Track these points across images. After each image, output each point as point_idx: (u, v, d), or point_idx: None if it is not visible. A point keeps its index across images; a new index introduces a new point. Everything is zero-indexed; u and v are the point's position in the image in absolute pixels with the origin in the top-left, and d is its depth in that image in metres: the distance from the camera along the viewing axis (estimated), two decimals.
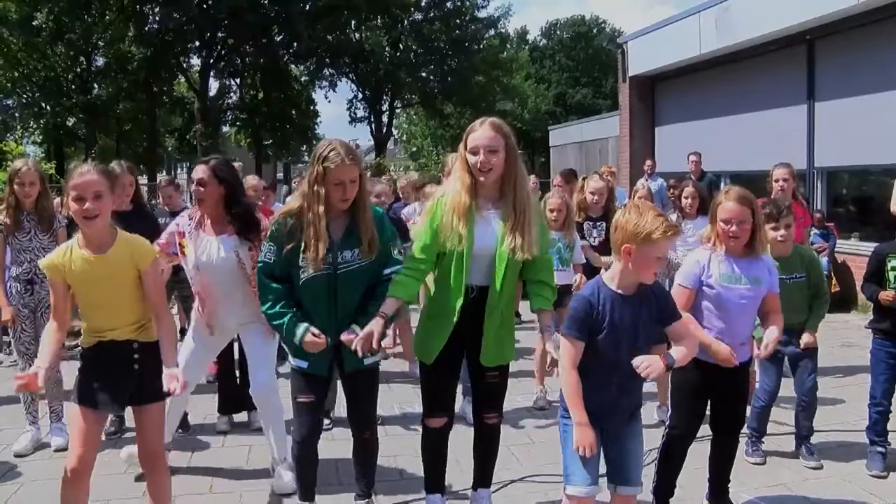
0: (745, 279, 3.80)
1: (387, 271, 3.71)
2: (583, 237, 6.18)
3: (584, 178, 6.70)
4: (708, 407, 4.02)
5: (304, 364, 3.70)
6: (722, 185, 11.58)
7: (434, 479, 4.01)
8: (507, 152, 3.60)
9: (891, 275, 4.62)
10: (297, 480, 3.97)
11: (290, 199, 5.42)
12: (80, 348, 3.51)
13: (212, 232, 4.44)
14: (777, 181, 6.46)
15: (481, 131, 3.58)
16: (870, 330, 4.87)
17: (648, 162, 13.42)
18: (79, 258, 3.27)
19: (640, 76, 16.45)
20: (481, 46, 40.23)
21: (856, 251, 9.54)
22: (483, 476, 4.05)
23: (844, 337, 8.13)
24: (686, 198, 6.44)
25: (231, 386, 5.58)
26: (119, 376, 3.37)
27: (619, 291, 3.16)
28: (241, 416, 5.63)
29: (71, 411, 3.50)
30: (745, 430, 4.70)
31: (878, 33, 10.53)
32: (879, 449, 4.76)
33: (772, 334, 3.88)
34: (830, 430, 5.36)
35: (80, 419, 3.33)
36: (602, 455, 3.27)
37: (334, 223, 3.63)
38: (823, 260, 9.57)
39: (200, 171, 4.40)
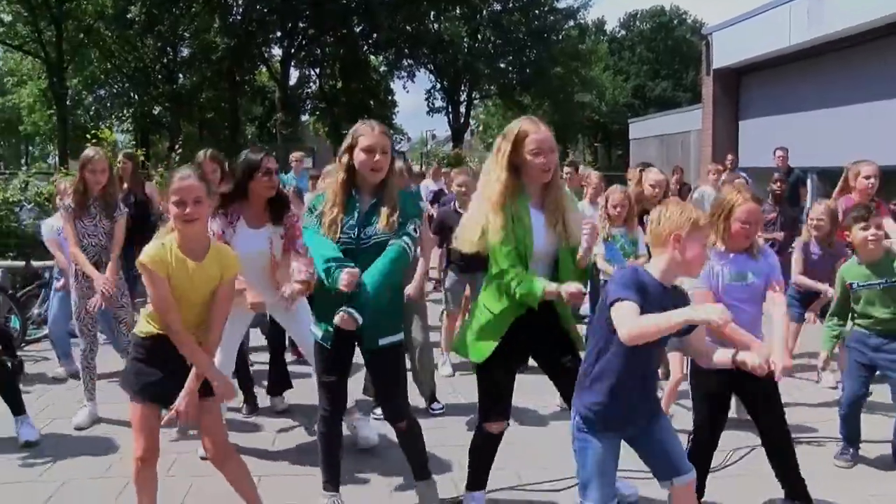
0: (751, 274, 3.77)
1: (392, 241, 3.65)
2: None
3: (641, 170, 6.51)
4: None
5: (319, 333, 3.74)
6: (808, 181, 11.27)
7: (477, 476, 3.94)
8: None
9: None
10: (321, 463, 3.94)
11: None
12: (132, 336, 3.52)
13: (249, 225, 4.51)
14: (869, 178, 6.15)
15: (541, 132, 3.52)
16: None
17: (730, 157, 13.11)
18: (178, 260, 3.35)
19: (725, 68, 16.13)
20: (560, 37, 40.00)
21: None
22: None
23: None
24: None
25: (281, 369, 5.72)
26: (179, 370, 3.39)
27: (663, 283, 3.00)
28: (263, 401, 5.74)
29: (130, 403, 3.49)
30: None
31: None
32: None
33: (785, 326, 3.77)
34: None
35: (139, 411, 3.40)
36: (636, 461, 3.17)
37: (362, 201, 3.69)
38: None
39: (274, 162, 4.54)
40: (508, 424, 3.86)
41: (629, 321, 2.76)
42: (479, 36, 39.51)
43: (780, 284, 3.85)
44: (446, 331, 6.61)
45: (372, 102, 39.59)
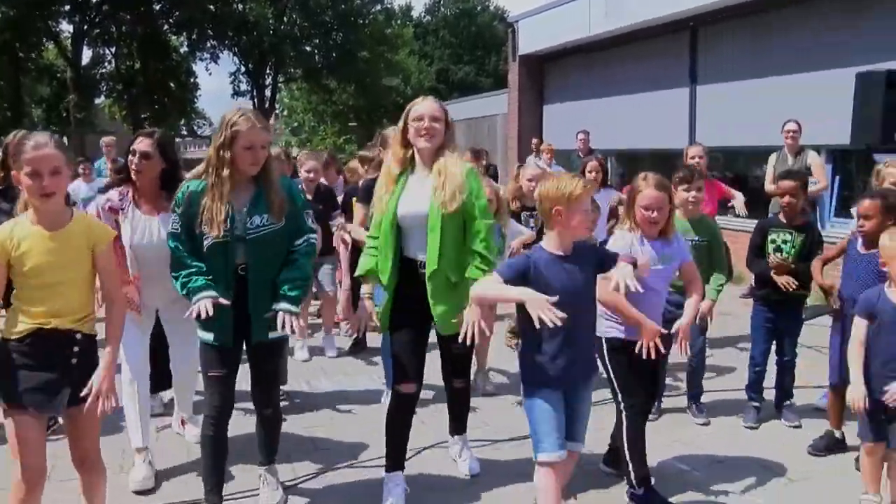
0: (661, 259, 3.99)
1: (298, 242, 3.74)
2: None
3: (519, 167, 6.93)
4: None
5: (210, 337, 3.67)
6: (608, 163, 12.04)
7: (395, 453, 4.07)
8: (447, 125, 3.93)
9: (770, 247, 5.07)
10: (204, 469, 3.84)
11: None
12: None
13: (148, 211, 4.27)
14: (693, 158, 6.98)
15: (424, 103, 3.90)
16: (743, 300, 5.30)
17: (535, 140, 13.78)
18: (30, 235, 3.00)
19: (530, 55, 16.82)
20: (367, 21, 39.92)
21: (732, 227, 10.12)
22: (458, 427, 4.49)
23: (723, 306, 8.67)
24: (590, 171, 6.73)
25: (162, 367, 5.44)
26: (56, 372, 3.05)
27: (558, 252, 3.37)
28: None
29: (5, 418, 3.09)
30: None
31: (757, 24, 11.20)
32: (755, 404, 5.30)
33: (695, 305, 4.18)
34: (713, 391, 5.74)
35: (19, 424, 3.01)
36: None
37: (242, 191, 3.64)
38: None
39: (146, 144, 4.22)
40: (419, 388, 4.07)
41: (478, 285, 3.25)
42: (285, 18, 38.64)
43: (691, 263, 4.18)
44: (303, 315, 6.70)
45: (173, 85, 37.84)
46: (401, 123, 3.93)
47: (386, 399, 5.52)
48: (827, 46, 10.22)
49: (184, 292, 3.57)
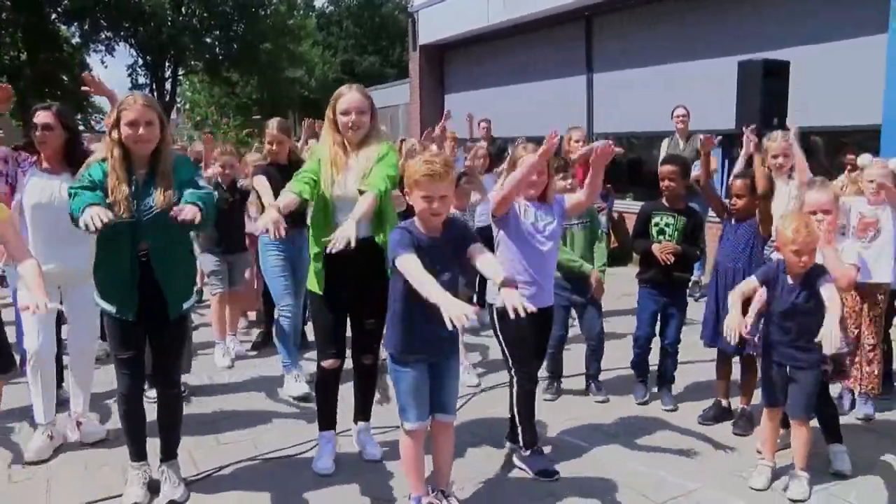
0: (545, 219, 4.26)
1: (188, 191, 3.70)
2: None
3: (402, 141, 7.07)
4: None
5: (112, 309, 3.75)
6: (509, 149, 12.20)
7: (324, 416, 4.41)
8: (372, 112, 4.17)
9: (654, 230, 5.26)
10: (127, 437, 4.00)
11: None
12: None
13: (50, 172, 4.48)
14: (578, 141, 7.39)
15: (350, 94, 4.10)
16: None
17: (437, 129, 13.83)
18: None
19: (430, 45, 16.89)
20: (268, 12, 39.25)
21: (631, 210, 10.47)
22: (363, 410, 4.56)
23: (623, 287, 8.92)
24: (479, 158, 7.14)
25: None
26: None
27: (424, 231, 3.51)
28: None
29: None
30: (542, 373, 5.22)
31: (649, 13, 11.53)
32: (642, 380, 5.51)
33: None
34: (613, 369, 5.93)
35: None
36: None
37: (138, 174, 3.70)
38: (602, 218, 10.39)
39: (45, 116, 4.43)
40: (342, 363, 4.31)
41: (410, 268, 3.31)
42: (183, 9, 37.59)
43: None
44: (219, 315, 6.54)
45: (65, 77, 36.36)
46: (329, 112, 4.15)
47: (287, 386, 5.57)
48: (712, 36, 10.63)
49: (75, 207, 3.49)
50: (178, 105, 48.38)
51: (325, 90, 43.90)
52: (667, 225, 5.23)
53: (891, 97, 8.20)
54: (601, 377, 5.66)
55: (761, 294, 4.16)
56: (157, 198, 3.65)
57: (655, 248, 5.15)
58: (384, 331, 3.80)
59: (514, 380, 4.30)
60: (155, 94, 38.07)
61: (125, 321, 3.75)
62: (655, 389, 5.50)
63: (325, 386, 4.36)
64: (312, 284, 4.23)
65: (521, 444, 4.31)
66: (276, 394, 5.65)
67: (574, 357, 5.84)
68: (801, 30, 9.57)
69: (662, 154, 9.09)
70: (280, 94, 41.36)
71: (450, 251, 3.56)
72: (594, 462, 4.48)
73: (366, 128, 4.13)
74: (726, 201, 5.17)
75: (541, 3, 12.98)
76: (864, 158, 5.78)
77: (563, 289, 5.28)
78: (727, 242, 5.01)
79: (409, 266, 3.31)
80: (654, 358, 5.53)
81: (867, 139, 8.61)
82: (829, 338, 3.63)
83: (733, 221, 4.99)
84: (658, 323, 5.44)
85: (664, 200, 5.34)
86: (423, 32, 16.88)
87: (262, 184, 5.48)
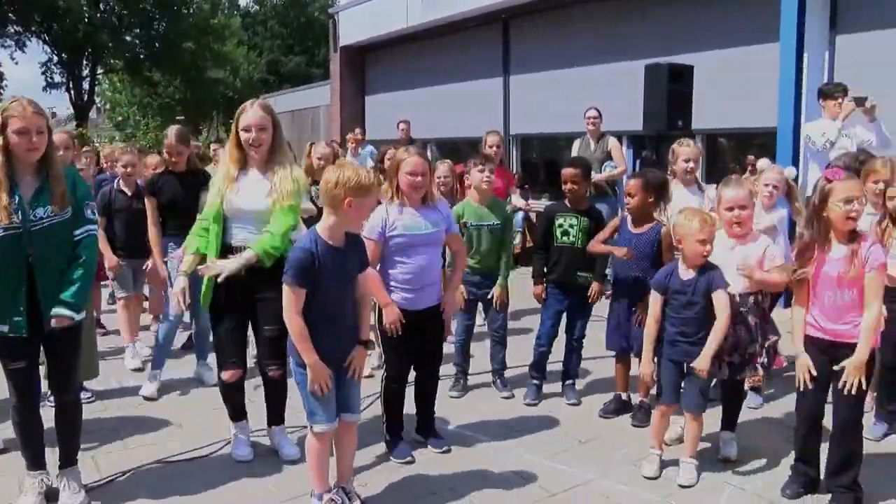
0: (427, 224, 4.37)
1: (77, 232, 3.74)
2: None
3: (311, 144, 7.09)
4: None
5: (5, 328, 3.66)
6: (428, 151, 12.33)
7: (234, 412, 4.55)
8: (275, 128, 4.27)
9: (557, 231, 5.38)
10: (22, 446, 3.95)
11: None
12: None
13: None
14: (492, 147, 7.59)
15: (251, 110, 4.20)
16: None
17: (357, 130, 13.88)
18: None
19: (351, 46, 16.91)
20: (191, 11, 38.57)
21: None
22: (276, 417, 4.60)
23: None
24: (389, 160, 7.00)
25: None
26: None
27: (331, 243, 3.53)
28: None
29: None
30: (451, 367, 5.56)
31: (564, 16, 11.78)
32: (536, 382, 5.56)
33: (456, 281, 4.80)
34: (517, 366, 6.02)
35: None
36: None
37: (24, 182, 3.63)
38: (519, 216, 10.58)
39: None
40: (243, 374, 4.40)
41: (289, 315, 3.51)
42: (101, 5, 36.58)
43: (457, 234, 4.71)
44: (126, 319, 6.47)
45: None
46: (233, 129, 4.27)
47: (198, 390, 5.58)
48: (623, 39, 10.94)
49: None
50: (98, 104, 47.23)
51: (250, 91, 43.27)
52: (570, 226, 5.35)
53: (784, 101, 8.57)
54: (508, 373, 5.78)
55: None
56: (52, 206, 3.62)
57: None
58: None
59: (384, 374, 4.56)
60: (72, 92, 37.03)
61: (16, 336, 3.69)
62: (559, 385, 5.63)
63: (228, 396, 4.51)
64: (205, 299, 4.29)
65: (385, 429, 4.58)
66: (186, 396, 5.64)
67: (485, 354, 5.94)
68: (704, 36, 9.92)
69: (574, 155, 9.29)
70: (204, 94, 40.71)
71: (353, 260, 3.66)
72: (495, 456, 4.59)
73: (267, 144, 4.23)
74: (627, 199, 5.20)
75: (459, 5, 13.14)
76: (762, 163, 6.00)
77: (470, 283, 5.46)
78: (628, 244, 5.03)
79: (292, 307, 3.49)
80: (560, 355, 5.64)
81: (769, 141, 8.97)
82: (703, 359, 4.09)
83: (630, 227, 5.04)
84: (564, 321, 5.55)
85: (567, 202, 5.46)
86: (343, 34, 16.89)
87: (149, 207, 5.75)
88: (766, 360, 4.40)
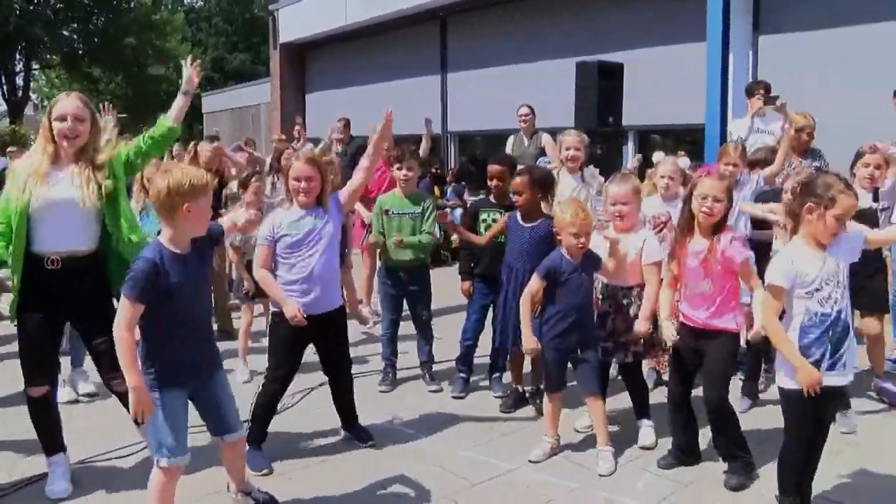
0: (315, 222, 4.33)
1: None
2: None
3: (195, 144, 7.14)
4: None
5: None
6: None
7: (47, 440, 4.10)
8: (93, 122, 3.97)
9: (482, 226, 5.47)
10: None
11: None
12: None
13: None
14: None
15: (67, 100, 3.90)
16: None
17: (297, 126, 13.83)
18: None
19: (291, 43, 16.84)
20: (131, 6, 37.85)
21: None
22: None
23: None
24: (286, 159, 7.22)
25: None
26: None
27: (178, 252, 3.26)
28: None
29: None
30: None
31: (500, 14, 11.89)
32: (462, 375, 5.64)
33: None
34: (446, 360, 6.05)
35: None
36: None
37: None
38: (458, 213, 10.66)
39: None
40: (50, 390, 4.04)
41: (119, 346, 3.12)
42: None
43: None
44: None
45: None
46: (44, 120, 3.90)
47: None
48: (556, 37, 11.10)
49: None
50: (34, 101, 46.12)
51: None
52: (494, 221, 5.41)
53: (711, 99, 8.80)
54: (438, 367, 5.86)
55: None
56: None
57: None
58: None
59: (266, 379, 4.44)
60: (4, 87, 36.01)
61: None
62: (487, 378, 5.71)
63: (36, 415, 4.04)
64: (12, 308, 3.91)
65: (251, 437, 4.29)
66: (95, 403, 5.47)
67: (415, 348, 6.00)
68: (635, 35, 10.12)
69: (508, 152, 9.38)
70: (147, 91, 40.06)
71: (201, 264, 3.40)
72: (419, 449, 4.66)
73: (84, 137, 3.88)
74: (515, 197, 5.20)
75: (396, 3, 13.19)
76: (657, 156, 6.17)
77: (396, 279, 5.58)
78: (514, 243, 5.10)
79: (125, 323, 3.12)
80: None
81: (699, 137, 9.21)
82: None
83: (520, 220, 5.11)
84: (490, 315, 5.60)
85: (492, 198, 5.56)
86: (283, 31, 16.83)
87: None
88: (641, 349, 4.62)
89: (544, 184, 5.09)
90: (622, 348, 4.57)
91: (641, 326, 4.40)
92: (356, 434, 4.73)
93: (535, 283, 4.40)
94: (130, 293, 3.11)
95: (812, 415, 3.52)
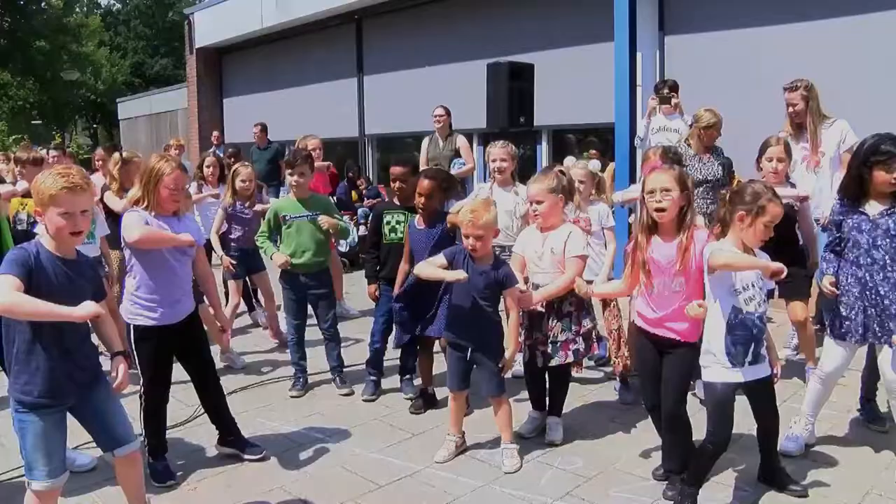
0: (179, 230, 4.25)
1: None
2: None
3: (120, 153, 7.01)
4: None
5: None
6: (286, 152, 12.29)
7: None
8: None
9: (386, 228, 5.48)
10: None
11: None
12: None
13: None
14: (315, 150, 7.75)
15: None
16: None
17: (215, 133, 13.71)
18: None
19: (207, 48, 16.60)
20: (42, 6, 36.68)
21: None
22: None
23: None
24: (207, 167, 7.79)
25: None
26: None
27: (57, 254, 3.13)
28: None
29: None
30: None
31: (414, 17, 11.93)
32: (373, 378, 5.66)
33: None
34: (356, 365, 6.10)
35: None
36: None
37: None
38: (361, 211, 10.73)
39: None
40: None
41: (3, 292, 2.84)
42: None
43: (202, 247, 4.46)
44: None
45: None
46: None
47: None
48: (470, 39, 11.19)
49: None
50: None
51: (114, 94, 41.66)
52: (398, 223, 5.44)
53: (619, 99, 8.98)
54: (351, 371, 5.86)
55: None
56: None
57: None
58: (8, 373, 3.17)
59: (142, 390, 4.29)
60: None
61: None
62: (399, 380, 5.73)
63: None
64: None
65: (150, 453, 4.25)
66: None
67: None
68: (546, 35, 10.26)
69: (423, 154, 9.43)
70: (62, 97, 38.95)
71: (84, 282, 3.20)
72: (328, 452, 4.66)
73: None
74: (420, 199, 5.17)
75: (311, 6, 13.12)
76: (567, 161, 6.24)
77: (298, 283, 5.59)
78: (414, 246, 5.13)
79: (4, 285, 2.87)
80: None
81: (611, 136, 9.38)
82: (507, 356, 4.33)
83: (417, 224, 5.15)
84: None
85: (395, 200, 5.58)
86: (199, 35, 16.57)
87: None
88: (581, 346, 4.58)
89: (448, 188, 5.14)
90: (563, 349, 4.53)
91: (538, 296, 4.43)
92: (244, 448, 4.59)
93: (437, 258, 4.40)
94: (6, 267, 2.94)
95: (733, 409, 3.67)
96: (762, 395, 3.84)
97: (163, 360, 4.29)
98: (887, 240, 4.09)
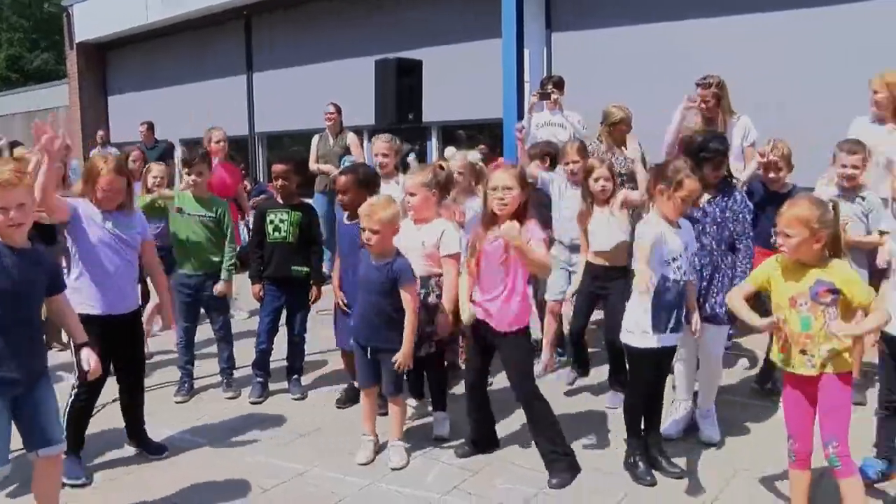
0: (126, 224, 4.28)
1: None
2: None
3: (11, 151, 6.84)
4: None
5: None
6: (177, 153, 12.00)
7: None
8: None
9: (269, 227, 5.41)
10: None
11: None
12: None
13: None
14: (219, 142, 7.72)
15: None
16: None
17: (100, 132, 13.25)
18: None
19: (88, 42, 16.00)
20: None
21: None
22: None
23: None
24: (133, 161, 7.59)
25: None
26: None
27: (7, 242, 3.16)
28: None
29: None
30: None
31: (303, 13, 11.81)
32: (260, 380, 5.57)
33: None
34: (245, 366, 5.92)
35: None
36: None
37: None
38: None
39: None
40: None
41: None
42: None
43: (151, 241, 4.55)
44: None
45: None
46: None
47: None
48: (359, 36, 11.15)
49: None
50: None
51: None
52: (281, 221, 5.38)
53: (507, 94, 9.12)
54: (238, 373, 5.75)
55: None
56: None
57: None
58: None
59: (74, 387, 4.24)
60: None
61: None
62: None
63: None
64: None
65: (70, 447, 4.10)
66: None
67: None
68: (435, 32, 10.32)
69: (313, 151, 9.36)
70: None
71: (36, 272, 3.26)
72: (215, 458, 4.56)
73: None
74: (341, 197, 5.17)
75: (199, 1, 12.79)
76: (448, 152, 6.27)
77: (189, 285, 5.51)
78: (340, 242, 5.16)
79: None
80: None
81: (500, 132, 9.50)
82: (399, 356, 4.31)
83: (345, 220, 5.13)
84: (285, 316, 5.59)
85: (279, 198, 5.51)
86: (79, 29, 15.93)
87: None
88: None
89: (369, 183, 5.04)
90: (427, 339, 4.60)
91: (444, 320, 4.58)
92: (146, 447, 4.60)
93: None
94: None
95: (653, 369, 4.11)
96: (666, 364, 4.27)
97: (103, 351, 4.07)
98: (714, 227, 4.47)
